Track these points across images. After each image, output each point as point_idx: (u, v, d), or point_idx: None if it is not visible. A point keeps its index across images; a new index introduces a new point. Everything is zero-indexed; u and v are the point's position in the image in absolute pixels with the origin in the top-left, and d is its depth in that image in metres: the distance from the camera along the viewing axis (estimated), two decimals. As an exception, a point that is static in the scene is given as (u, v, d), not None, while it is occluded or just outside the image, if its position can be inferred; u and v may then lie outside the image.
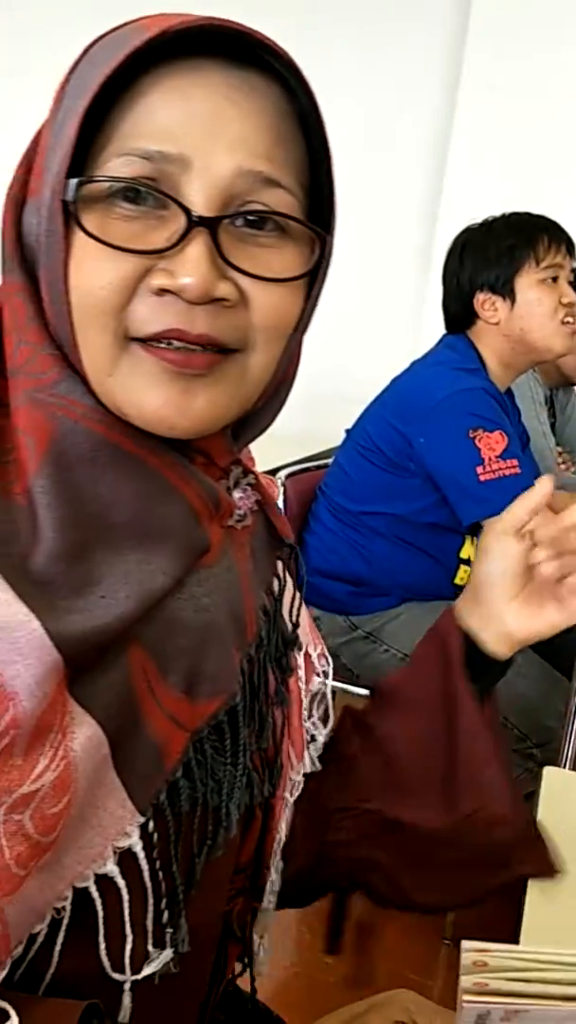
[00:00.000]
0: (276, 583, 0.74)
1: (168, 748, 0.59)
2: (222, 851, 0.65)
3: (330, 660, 0.83)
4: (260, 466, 0.77)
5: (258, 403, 0.64)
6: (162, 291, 0.55)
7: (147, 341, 0.56)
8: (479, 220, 1.91)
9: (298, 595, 0.77)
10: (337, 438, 2.08)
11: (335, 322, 3.30)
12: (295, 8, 2.84)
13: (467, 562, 1.95)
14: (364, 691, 1.97)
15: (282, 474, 2.02)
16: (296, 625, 0.76)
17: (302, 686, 0.78)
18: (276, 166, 0.56)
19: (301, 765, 0.78)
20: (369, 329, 3.23)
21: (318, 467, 2.12)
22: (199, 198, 0.55)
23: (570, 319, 1.85)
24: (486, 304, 1.86)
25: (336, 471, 2.01)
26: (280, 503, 1.98)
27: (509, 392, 2.03)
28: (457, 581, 1.95)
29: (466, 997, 0.48)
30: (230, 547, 0.67)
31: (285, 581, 0.76)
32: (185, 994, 0.68)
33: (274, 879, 0.77)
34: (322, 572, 1.97)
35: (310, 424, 2.34)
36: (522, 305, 1.84)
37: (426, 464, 1.82)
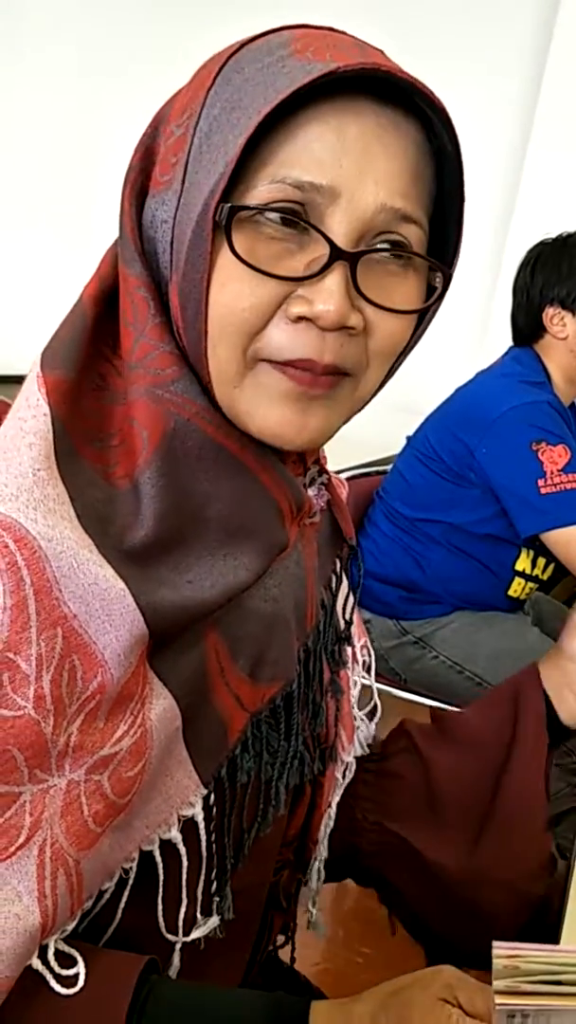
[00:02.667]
0: (334, 579, 0.77)
1: (231, 726, 0.63)
2: (271, 826, 0.68)
3: (372, 652, 0.86)
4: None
5: None
6: (299, 319, 0.57)
7: (278, 364, 0.59)
8: (554, 235, 1.92)
9: (352, 597, 0.80)
10: (398, 446, 2.10)
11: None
12: (378, 7, 2.85)
13: (522, 574, 1.95)
14: (411, 695, 1.99)
15: (341, 476, 2.04)
16: (349, 622, 0.80)
17: (351, 676, 0.81)
18: (412, 202, 0.59)
19: (352, 747, 0.81)
20: (435, 339, 3.23)
21: (378, 472, 2.14)
22: (342, 229, 0.56)
23: None
24: (555, 319, 1.87)
25: (395, 477, 2.03)
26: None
27: (573, 407, 2.03)
28: (510, 593, 1.96)
29: (498, 1000, 0.49)
30: (300, 542, 0.70)
31: (341, 578, 0.79)
32: (229, 958, 0.71)
33: (321, 854, 0.80)
34: (376, 576, 1.99)
35: (373, 431, 2.35)
36: None
37: (487, 475, 1.83)
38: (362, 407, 0.65)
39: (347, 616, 0.80)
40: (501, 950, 0.49)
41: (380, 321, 0.60)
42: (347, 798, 0.83)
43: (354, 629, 0.81)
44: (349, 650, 0.81)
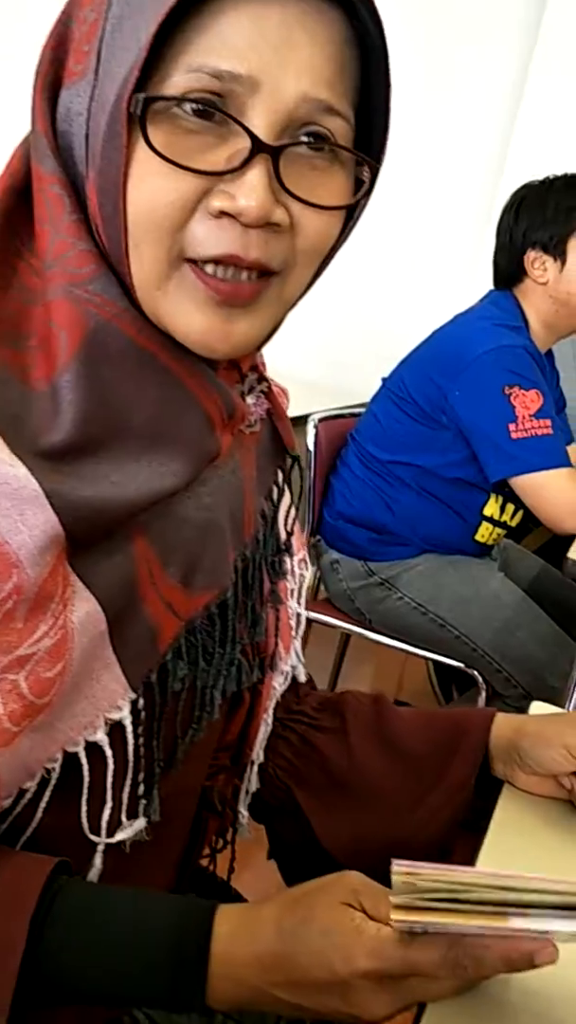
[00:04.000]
0: (275, 490, 0.78)
1: (162, 633, 0.63)
2: (204, 732, 0.69)
3: (309, 565, 0.86)
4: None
5: None
6: (221, 213, 0.56)
7: (201, 263, 0.58)
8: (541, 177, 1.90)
9: (294, 504, 0.81)
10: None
11: (389, 278, 3.27)
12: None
13: (490, 520, 1.96)
14: (375, 636, 2.02)
15: (315, 417, 2.04)
16: (290, 533, 0.80)
17: (290, 587, 0.82)
18: (337, 94, 0.57)
19: (289, 657, 0.83)
20: (424, 286, 3.20)
21: (352, 414, 2.14)
22: (263, 122, 0.55)
23: None
24: (536, 263, 1.85)
25: (369, 419, 2.02)
26: (311, 443, 2.01)
27: (549, 354, 2.03)
28: (478, 538, 1.97)
29: (394, 916, 0.50)
30: (237, 451, 0.70)
31: (283, 490, 0.79)
32: (158, 862, 0.72)
33: (259, 758, 0.82)
34: (345, 517, 2.00)
35: (360, 377, 2.34)
36: (572, 267, 1.83)
37: (459, 418, 1.83)
38: (289, 310, 0.64)
39: (288, 527, 0.80)
40: (400, 867, 0.49)
41: (306, 218, 0.58)
42: (268, 751, 0.84)
43: (295, 541, 0.82)
44: (289, 561, 0.82)
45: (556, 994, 0.60)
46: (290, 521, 0.81)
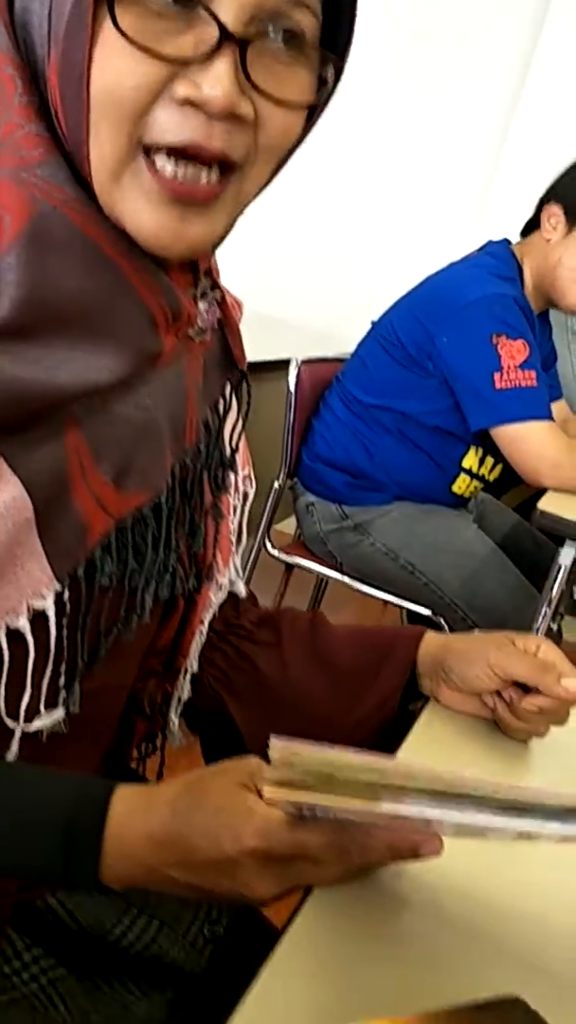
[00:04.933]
0: (222, 403, 0.78)
1: (92, 528, 0.63)
2: (132, 634, 0.69)
3: (254, 484, 0.86)
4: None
5: None
6: (186, 102, 0.55)
7: (158, 151, 0.57)
8: None
9: (241, 420, 0.81)
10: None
11: (391, 228, 3.23)
12: None
13: (468, 471, 1.96)
14: (345, 579, 2.02)
15: (298, 359, 2.03)
16: (235, 449, 0.80)
17: (233, 503, 0.83)
18: None
19: (228, 570, 0.83)
20: (427, 237, 3.18)
21: (340, 360, 2.13)
22: (232, 10, 0.54)
23: None
24: (552, 218, 1.84)
25: (356, 362, 2.01)
26: (292, 384, 2.00)
27: (543, 315, 2.02)
28: (455, 489, 1.97)
29: (267, 791, 0.50)
30: (183, 356, 0.69)
31: (231, 405, 0.79)
32: (80, 758, 0.73)
33: (192, 667, 0.83)
34: (324, 460, 1.99)
35: (351, 325, 2.33)
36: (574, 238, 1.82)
37: (445, 364, 1.82)
38: (243, 210, 0.63)
39: (233, 443, 0.80)
40: (278, 743, 0.49)
41: (270, 113, 0.58)
42: (203, 661, 0.85)
43: (239, 457, 0.82)
44: (233, 477, 0.82)
45: (444, 889, 0.61)
46: (236, 436, 0.81)
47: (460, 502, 2.03)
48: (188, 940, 0.81)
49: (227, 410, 0.78)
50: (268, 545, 2.10)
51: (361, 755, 0.49)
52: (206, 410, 0.75)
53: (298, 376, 2.01)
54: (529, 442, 1.79)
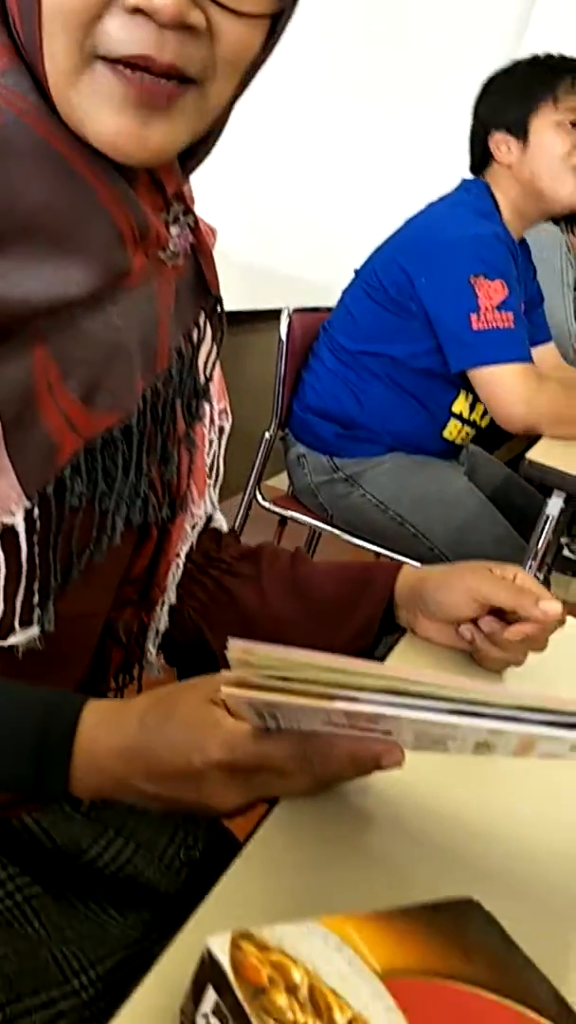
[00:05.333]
0: (196, 331, 0.77)
1: (61, 447, 0.63)
2: (103, 556, 0.70)
3: (230, 417, 0.86)
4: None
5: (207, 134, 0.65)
6: (135, 10, 0.54)
7: (115, 63, 0.56)
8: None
9: (215, 349, 0.80)
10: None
11: (381, 178, 3.19)
12: None
13: (459, 417, 1.95)
14: (334, 530, 2.03)
15: (290, 307, 2.02)
16: (209, 378, 0.80)
17: (207, 435, 0.82)
18: None
19: (203, 502, 0.83)
20: (422, 190, 3.15)
21: (329, 309, 2.12)
22: None
23: None
24: (501, 145, 1.85)
25: (341, 310, 2.00)
26: (283, 334, 1.99)
27: (525, 246, 2.01)
28: (446, 435, 1.97)
29: (224, 689, 0.50)
30: (155, 280, 0.69)
31: (205, 333, 0.78)
32: (56, 684, 0.74)
33: (169, 599, 0.83)
34: (314, 410, 1.99)
35: (340, 275, 2.32)
36: (534, 147, 1.82)
37: (424, 305, 1.81)
38: (210, 123, 0.63)
39: (207, 372, 0.80)
40: (236, 644, 0.49)
41: (226, 24, 0.57)
42: (183, 593, 0.85)
43: (214, 388, 0.81)
44: (208, 407, 0.82)
45: (406, 804, 0.62)
46: (210, 366, 0.80)
47: (452, 450, 2.03)
48: (164, 863, 0.82)
49: (201, 339, 0.78)
50: (259, 498, 2.10)
51: (317, 654, 0.49)
52: (179, 337, 0.75)
53: (289, 326, 2.00)
54: (503, 385, 1.78)
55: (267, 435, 2.08)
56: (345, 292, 2.00)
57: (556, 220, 2.58)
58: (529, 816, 0.66)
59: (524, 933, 0.48)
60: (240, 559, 0.90)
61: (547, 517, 1.77)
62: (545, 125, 1.80)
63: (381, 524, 1.94)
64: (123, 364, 0.66)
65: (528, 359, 1.78)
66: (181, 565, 0.83)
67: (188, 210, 0.72)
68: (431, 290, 1.79)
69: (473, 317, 1.74)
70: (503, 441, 2.49)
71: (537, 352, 1.98)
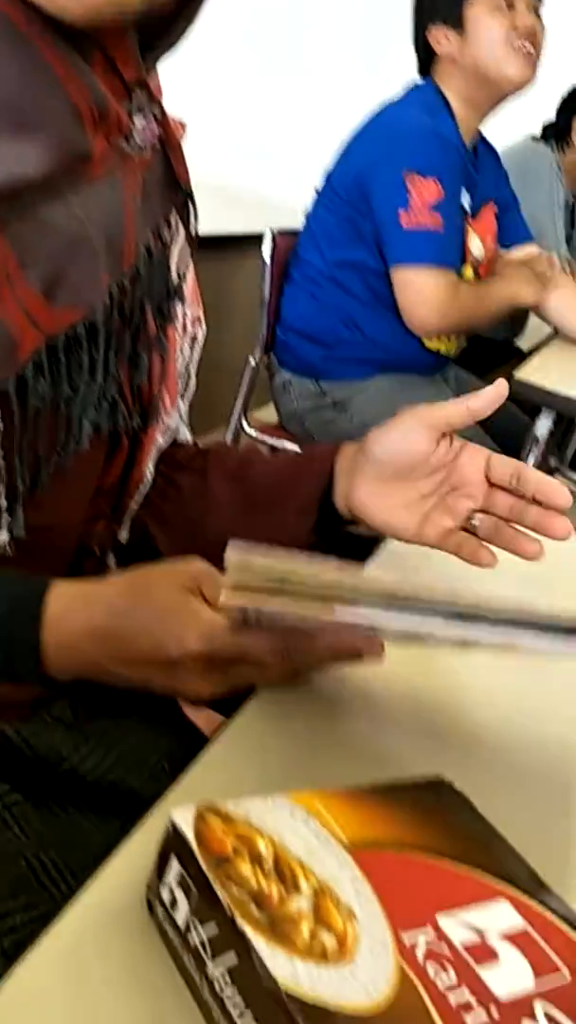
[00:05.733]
0: (166, 228, 0.75)
1: (21, 343, 0.61)
2: (70, 461, 0.68)
3: (203, 326, 0.84)
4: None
5: (167, 13, 0.62)
6: None
7: None
8: None
9: (188, 249, 0.78)
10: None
11: (369, 103, 3.11)
12: None
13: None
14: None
15: (274, 228, 1.98)
16: (181, 277, 0.78)
17: (179, 340, 0.80)
18: None
19: (175, 411, 0.81)
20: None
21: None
22: None
23: (527, 45, 1.77)
24: (440, 38, 1.82)
25: (305, 229, 1.97)
26: (267, 255, 1.95)
27: (493, 152, 1.97)
28: (430, 346, 1.94)
29: (224, 596, 0.50)
30: (119, 171, 0.66)
31: (177, 231, 0.76)
32: None
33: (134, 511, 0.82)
34: (295, 331, 1.96)
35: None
36: (472, 33, 1.79)
37: (369, 202, 1.79)
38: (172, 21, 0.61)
39: (180, 272, 0.77)
40: (235, 548, 0.49)
41: None
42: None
43: (188, 291, 0.79)
44: (180, 309, 0.79)
45: (384, 691, 0.62)
46: (182, 266, 0.78)
47: (438, 363, 2.00)
48: (147, 770, 0.82)
49: (172, 238, 0.76)
50: (245, 426, 2.08)
51: (315, 563, 0.49)
52: (147, 233, 0.72)
53: (273, 248, 1.96)
54: (416, 287, 1.76)
55: (252, 361, 2.05)
56: (308, 212, 1.97)
57: (546, 138, 2.53)
58: (505, 700, 0.66)
59: (497, 812, 0.48)
60: (192, 456, 0.89)
61: (535, 438, 1.76)
62: (480, 11, 1.78)
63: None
64: (86, 258, 0.64)
65: (451, 266, 1.75)
66: (151, 476, 0.82)
67: (155, 101, 0.69)
68: (373, 186, 1.77)
69: (402, 214, 1.71)
70: (494, 366, 2.47)
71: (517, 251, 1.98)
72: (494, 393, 0.73)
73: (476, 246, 1.96)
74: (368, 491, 0.76)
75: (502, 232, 2.06)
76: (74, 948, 0.40)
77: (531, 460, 1.77)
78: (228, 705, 0.61)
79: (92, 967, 0.39)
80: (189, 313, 0.82)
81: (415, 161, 1.71)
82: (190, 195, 0.76)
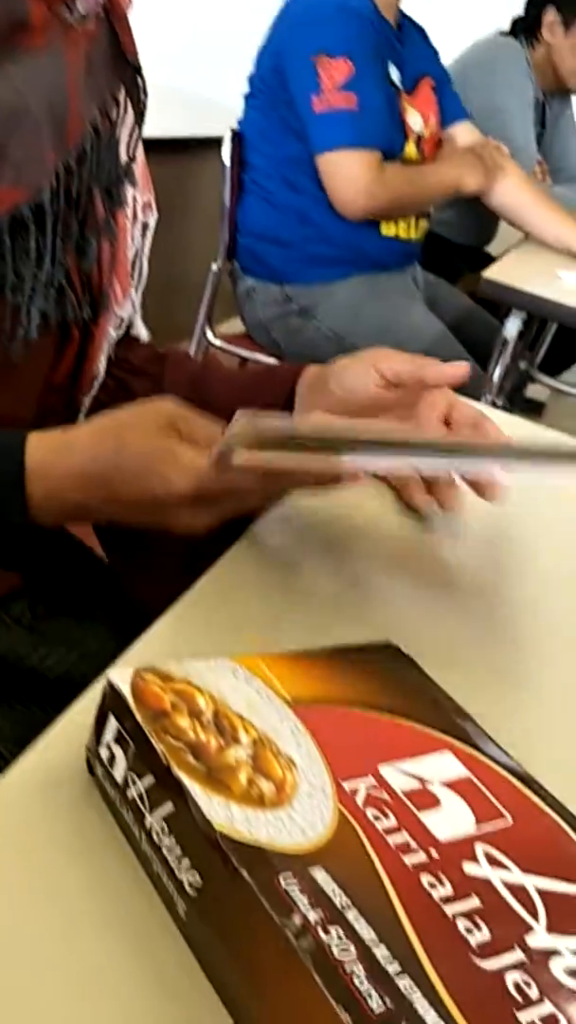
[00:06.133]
0: (114, 107, 0.71)
1: None
2: (18, 350, 0.66)
3: (155, 211, 0.81)
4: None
5: None
6: None
7: None
8: None
9: (137, 130, 0.75)
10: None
11: None
12: None
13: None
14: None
15: (234, 127, 1.91)
16: (132, 159, 0.74)
17: (130, 226, 0.77)
18: None
19: (126, 302, 0.79)
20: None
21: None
22: None
23: None
24: None
25: (243, 134, 1.91)
26: (226, 158, 1.90)
27: (422, 32, 1.93)
28: (385, 232, 1.90)
29: (244, 454, 0.51)
30: (61, 42, 0.63)
31: (126, 109, 0.73)
32: None
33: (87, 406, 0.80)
34: (255, 235, 1.92)
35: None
36: None
37: (288, 90, 1.75)
38: None
39: (130, 152, 0.74)
40: (243, 414, 0.50)
41: None
42: None
43: (139, 175, 0.76)
44: (130, 195, 0.76)
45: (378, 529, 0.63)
46: (132, 145, 0.75)
47: (404, 255, 1.96)
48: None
49: (121, 115, 0.72)
50: (210, 336, 2.05)
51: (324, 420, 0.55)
52: (93, 110, 0.69)
53: (233, 150, 1.90)
54: (338, 169, 1.72)
55: (215, 267, 2.01)
56: (240, 117, 1.92)
57: (515, 33, 2.45)
58: (469, 569, 0.67)
59: (447, 677, 0.47)
60: (147, 361, 0.87)
61: (504, 341, 1.74)
62: None
63: (335, 358, 1.90)
64: (28, 133, 0.61)
65: (373, 146, 1.71)
66: (102, 371, 0.80)
67: None
68: (287, 73, 1.73)
69: (314, 99, 1.67)
70: (464, 271, 2.43)
71: (454, 129, 1.94)
72: (453, 372, 0.71)
73: (416, 121, 1.90)
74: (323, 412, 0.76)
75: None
76: (16, 810, 0.40)
77: (501, 363, 1.75)
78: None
79: (35, 829, 0.39)
80: (140, 198, 0.79)
81: (323, 41, 1.65)
82: (139, 70, 0.72)
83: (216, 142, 1.92)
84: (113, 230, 0.74)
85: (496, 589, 0.66)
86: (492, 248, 2.66)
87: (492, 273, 1.66)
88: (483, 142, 1.99)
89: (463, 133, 2.00)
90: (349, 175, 1.69)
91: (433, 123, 1.95)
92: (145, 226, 0.81)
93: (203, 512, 0.57)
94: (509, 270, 1.70)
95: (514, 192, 1.95)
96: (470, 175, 1.86)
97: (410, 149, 1.89)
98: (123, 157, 0.73)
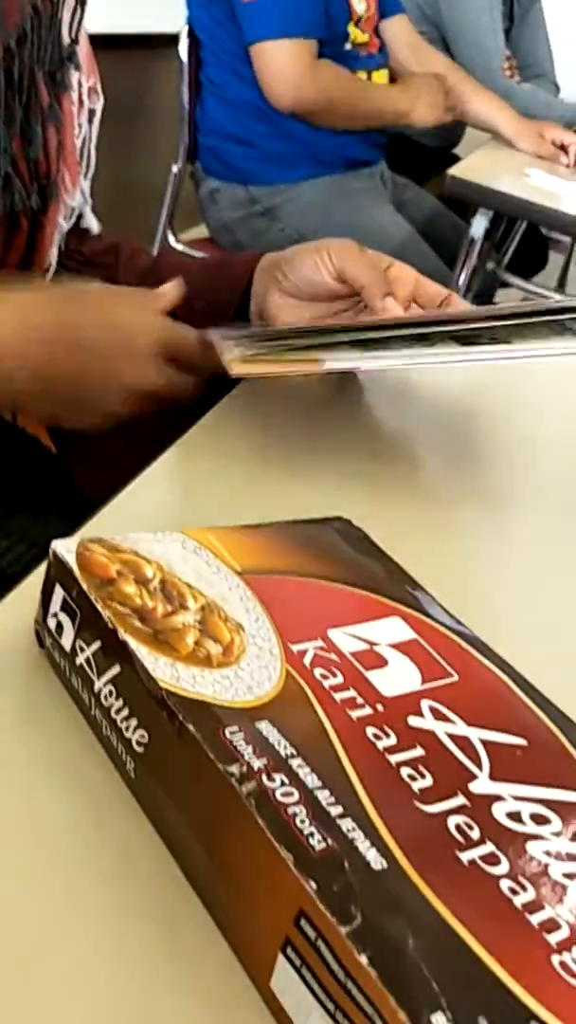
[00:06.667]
0: None
1: None
2: None
3: (101, 96, 0.78)
4: None
5: None
6: None
7: None
8: None
9: (80, 10, 0.71)
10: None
11: None
12: None
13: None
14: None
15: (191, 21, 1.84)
16: (75, 41, 0.71)
17: (76, 112, 0.75)
18: None
19: (76, 191, 0.76)
20: None
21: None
22: None
23: None
24: None
25: (191, 34, 1.85)
26: (184, 54, 1.83)
27: None
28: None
29: (238, 366, 0.52)
30: None
31: None
32: None
33: None
34: (216, 133, 1.86)
35: None
36: None
37: None
38: None
39: (72, 33, 0.71)
40: (217, 332, 0.54)
41: None
42: None
43: (83, 59, 0.73)
44: (76, 80, 0.73)
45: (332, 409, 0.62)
46: (75, 26, 0.71)
47: (363, 144, 1.91)
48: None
49: None
50: (172, 239, 2.00)
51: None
52: None
53: (190, 46, 1.83)
54: (271, 62, 1.67)
55: (175, 168, 1.95)
56: (187, 16, 1.85)
57: None
58: (427, 447, 0.68)
59: (399, 550, 0.47)
60: (101, 253, 0.84)
61: (471, 240, 1.71)
62: None
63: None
64: None
65: (306, 35, 1.66)
66: (54, 263, 0.77)
67: None
68: None
69: None
70: (432, 173, 2.38)
71: (389, 22, 1.89)
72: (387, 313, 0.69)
73: (360, 4, 1.83)
74: (279, 303, 0.73)
75: None
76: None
77: (468, 264, 1.73)
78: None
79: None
80: (85, 83, 0.75)
81: None
82: None
83: (175, 39, 1.85)
84: (58, 115, 0.71)
85: (455, 467, 0.66)
86: (460, 150, 2.60)
87: (459, 171, 1.62)
88: (438, 77, 1.92)
89: (398, 27, 1.93)
90: (276, 67, 1.64)
91: (372, 5, 1.89)
92: (92, 112, 0.78)
93: (168, 370, 0.60)
94: (476, 168, 1.66)
95: (487, 108, 1.96)
96: (423, 111, 1.81)
97: (354, 32, 1.82)
98: (66, 39, 0.70)
